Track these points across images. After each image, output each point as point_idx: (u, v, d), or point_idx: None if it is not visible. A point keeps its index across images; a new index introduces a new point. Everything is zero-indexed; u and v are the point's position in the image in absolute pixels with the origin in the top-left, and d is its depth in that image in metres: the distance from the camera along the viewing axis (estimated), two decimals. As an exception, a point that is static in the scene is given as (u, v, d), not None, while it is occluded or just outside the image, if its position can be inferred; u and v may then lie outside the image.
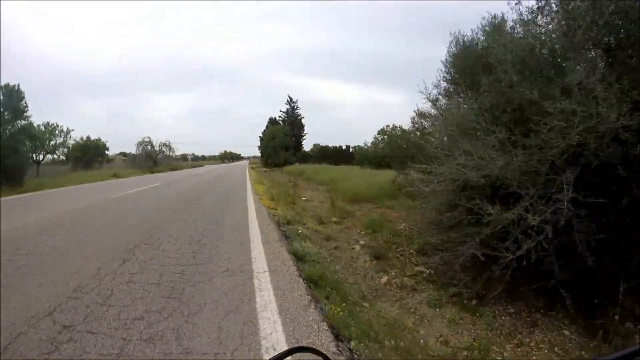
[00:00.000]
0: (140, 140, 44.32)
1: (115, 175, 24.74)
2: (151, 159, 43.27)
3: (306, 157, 49.24)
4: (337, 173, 22.23)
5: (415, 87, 11.96)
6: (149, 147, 44.95)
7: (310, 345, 0.97)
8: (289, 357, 0.71)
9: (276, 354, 0.78)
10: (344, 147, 50.97)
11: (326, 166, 33.53)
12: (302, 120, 51.09)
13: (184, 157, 78.99)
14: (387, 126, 39.45)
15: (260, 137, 57.44)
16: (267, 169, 39.85)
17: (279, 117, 50.82)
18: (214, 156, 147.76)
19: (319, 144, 59.22)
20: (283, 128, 46.59)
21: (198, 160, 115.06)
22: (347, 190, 13.86)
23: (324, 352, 0.79)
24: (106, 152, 66.98)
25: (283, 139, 45.19)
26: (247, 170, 33.08)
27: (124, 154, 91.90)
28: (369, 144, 38.54)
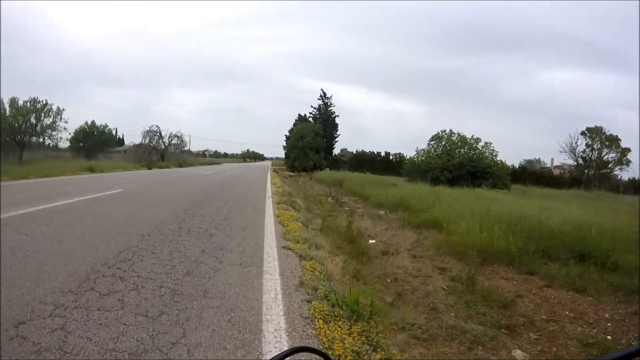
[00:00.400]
0: (147, 129, 38.13)
1: (91, 170, 18.13)
2: (157, 152, 37.02)
3: (337, 163, 41.70)
4: (400, 190, 14.54)
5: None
6: (156, 137, 38.69)
7: (312, 346, 0.99)
8: (290, 358, 0.68)
9: (277, 354, 0.66)
10: (380, 154, 43.04)
11: (374, 177, 25.88)
12: (336, 119, 43.73)
13: (201, 153, 73.29)
14: (444, 131, 31.54)
15: (286, 136, 50.61)
16: (292, 174, 32.69)
17: (310, 113, 43.68)
18: (236, 154, 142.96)
19: (346, 149, 51.68)
20: (314, 126, 39.38)
21: (219, 157, 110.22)
22: (459, 234, 6.40)
23: (325, 352, 0.85)
24: (121, 141, 62.09)
25: (313, 140, 37.99)
26: (269, 175, 26.08)
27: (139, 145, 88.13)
28: (420, 152, 30.68)
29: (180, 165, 33.91)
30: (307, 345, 1.45)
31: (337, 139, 43.66)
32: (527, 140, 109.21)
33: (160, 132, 38.85)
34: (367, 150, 42.54)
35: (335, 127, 43.46)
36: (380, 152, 42.92)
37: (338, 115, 43.76)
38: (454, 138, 30.54)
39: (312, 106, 44.15)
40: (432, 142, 28.58)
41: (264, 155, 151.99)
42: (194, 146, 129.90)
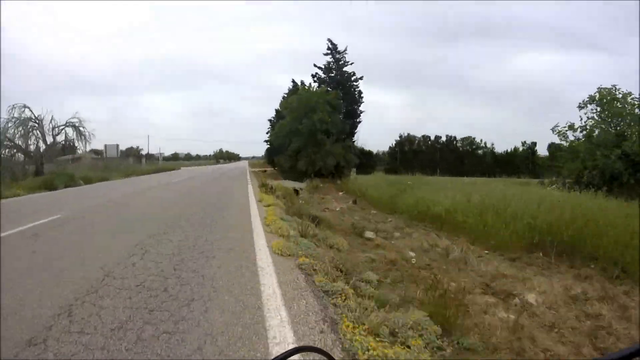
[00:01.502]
0: (10, 110, 19.38)
1: None
2: (31, 158, 18.39)
3: (367, 158, 23.77)
4: None
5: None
6: (28, 129, 19.90)
7: (315, 346, 0.92)
8: (293, 357, 0.68)
9: (280, 353, 0.67)
10: (439, 140, 25.59)
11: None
12: (358, 83, 25.88)
13: (156, 157, 54.04)
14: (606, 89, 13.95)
15: (270, 121, 32.70)
16: (299, 187, 15.17)
17: (314, 76, 25.53)
18: (208, 155, 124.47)
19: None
20: (327, 94, 21.39)
21: (189, 160, 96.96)
22: None
23: (328, 352, 0.79)
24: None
25: (332, 116, 20.22)
26: (251, 191, 13.70)
27: (95, 152, 68.05)
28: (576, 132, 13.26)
29: (65, 184, 15.35)
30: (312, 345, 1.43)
31: (360, 118, 25.89)
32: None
33: (36, 120, 19.93)
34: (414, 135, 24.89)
35: (357, 98, 25.65)
36: (438, 137, 25.40)
37: (362, 79, 25.91)
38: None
39: (316, 65, 26.15)
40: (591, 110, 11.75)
41: (240, 155, 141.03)
42: (169, 150, 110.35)
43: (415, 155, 30.42)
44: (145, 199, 11.38)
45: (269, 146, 36.95)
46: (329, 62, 26.04)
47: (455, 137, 33.08)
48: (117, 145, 52.42)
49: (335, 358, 0.84)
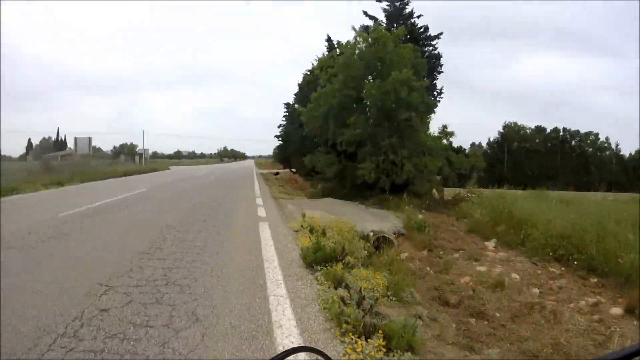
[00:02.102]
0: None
1: None
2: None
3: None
4: None
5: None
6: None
7: (312, 346, 0.86)
8: (290, 357, 0.67)
9: (277, 354, 0.67)
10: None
11: None
12: (437, 44, 16.34)
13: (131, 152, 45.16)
14: None
15: (288, 105, 23.37)
16: (393, 233, 5.36)
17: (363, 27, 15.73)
18: (213, 154, 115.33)
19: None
20: (405, 46, 11.63)
21: (194, 158, 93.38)
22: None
23: (325, 352, 0.81)
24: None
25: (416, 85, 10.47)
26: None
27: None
28: None
29: None
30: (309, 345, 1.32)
31: (441, 96, 16.25)
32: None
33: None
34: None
35: (435, 65, 16.07)
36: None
37: (440, 36, 16.37)
38: None
39: (367, 14, 16.68)
40: None
41: (245, 154, 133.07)
42: (174, 148, 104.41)
43: (528, 156, 20.31)
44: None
45: (281, 143, 26.93)
46: (388, 9, 16.45)
47: (578, 132, 23.35)
48: (90, 139, 43.10)
49: (333, 358, 0.77)
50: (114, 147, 60.53)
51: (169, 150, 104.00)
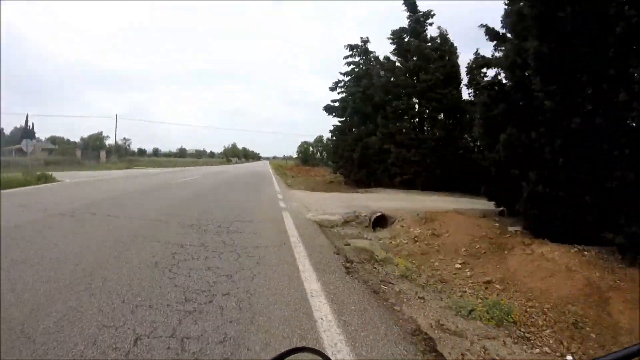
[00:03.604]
0: None
1: None
2: None
3: None
4: None
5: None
6: None
7: (311, 346, 0.95)
8: (289, 357, 0.68)
9: (276, 354, 0.69)
10: None
11: None
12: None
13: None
14: None
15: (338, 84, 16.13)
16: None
17: None
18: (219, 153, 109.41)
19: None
20: None
21: (202, 158, 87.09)
22: None
23: (324, 352, 0.79)
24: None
25: None
26: None
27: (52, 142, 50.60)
28: None
29: None
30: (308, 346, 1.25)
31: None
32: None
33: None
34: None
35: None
36: None
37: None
38: None
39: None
40: None
41: (260, 155, 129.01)
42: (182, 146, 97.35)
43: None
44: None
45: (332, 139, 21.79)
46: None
47: None
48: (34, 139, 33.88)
49: (332, 358, 0.77)
50: (81, 138, 48.28)
51: (173, 148, 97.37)
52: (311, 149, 50.83)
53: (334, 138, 20.78)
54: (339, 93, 19.63)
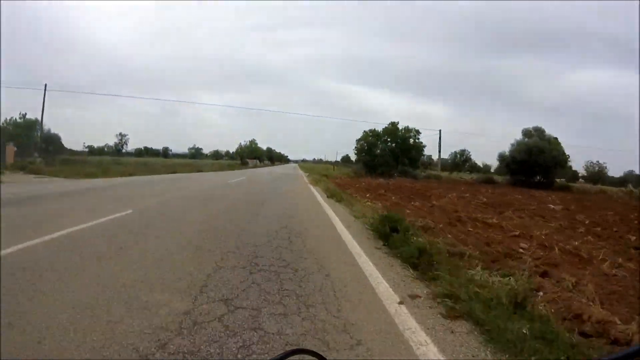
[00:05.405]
0: None
1: None
2: None
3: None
4: None
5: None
6: None
7: (309, 348, 0.90)
8: (287, 359, 0.69)
9: (275, 356, 0.69)
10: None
11: None
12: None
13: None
14: None
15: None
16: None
17: None
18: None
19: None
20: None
21: (217, 159, 78.11)
22: None
23: (322, 354, 0.79)
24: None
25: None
26: None
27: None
28: None
29: None
30: (306, 347, 1.46)
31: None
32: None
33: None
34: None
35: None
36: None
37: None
38: None
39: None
40: None
41: (289, 157, 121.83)
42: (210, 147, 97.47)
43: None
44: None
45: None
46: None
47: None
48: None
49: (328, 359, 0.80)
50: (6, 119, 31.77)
51: (212, 148, 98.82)
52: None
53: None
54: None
